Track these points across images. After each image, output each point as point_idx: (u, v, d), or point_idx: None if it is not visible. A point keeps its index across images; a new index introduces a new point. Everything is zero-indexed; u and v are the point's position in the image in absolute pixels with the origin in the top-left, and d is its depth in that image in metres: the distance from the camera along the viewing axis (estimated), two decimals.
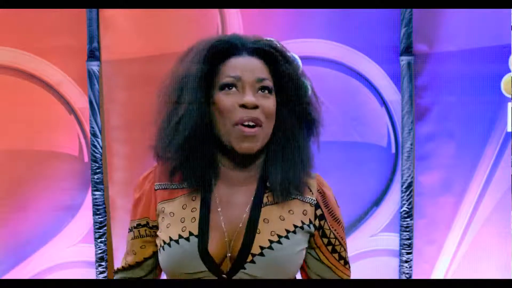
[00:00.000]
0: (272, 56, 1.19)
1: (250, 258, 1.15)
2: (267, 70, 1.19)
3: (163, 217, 1.22)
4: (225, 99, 1.16)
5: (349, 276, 1.29)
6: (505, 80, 2.17)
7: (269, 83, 1.18)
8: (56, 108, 2.20)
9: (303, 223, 1.20)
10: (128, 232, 1.30)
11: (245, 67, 1.16)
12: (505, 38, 2.13)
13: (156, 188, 1.24)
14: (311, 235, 1.22)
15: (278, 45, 1.22)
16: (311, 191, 1.23)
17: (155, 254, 1.27)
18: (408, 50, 2.16)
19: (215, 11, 2.13)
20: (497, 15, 2.10)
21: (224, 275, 1.16)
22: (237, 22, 2.14)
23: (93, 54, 2.16)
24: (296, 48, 2.13)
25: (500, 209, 2.22)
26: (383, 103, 2.21)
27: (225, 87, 1.16)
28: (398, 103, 2.20)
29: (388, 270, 2.27)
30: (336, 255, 1.25)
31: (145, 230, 1.26)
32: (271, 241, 1.15)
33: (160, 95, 1.22)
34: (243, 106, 1.14)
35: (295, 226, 1.18)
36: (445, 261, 2.27)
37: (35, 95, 2.18)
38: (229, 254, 1.16)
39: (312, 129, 1.24)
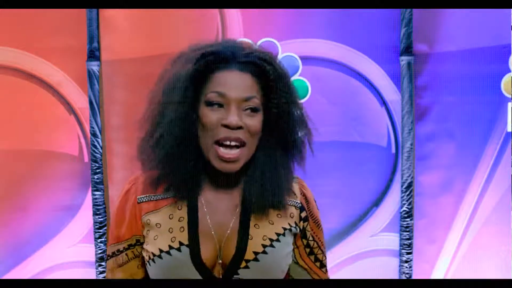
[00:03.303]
0: (263, 71, 1.13)
1: (244, 264, 1.14)
2: (256, 85, 1.14)
3: (148, 230, 1.18)
4: (209, 115, 1.12)
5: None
6: (505, 80, 2.17)
7: (256, 101, 1.13)
8: (56, 108, 2.20)
9: (290, 225, 1.20)
10: (112, 257, 1.23)
11: (232, 83, 1.11)
12: (505, 38, 2.13)
13: (139, 201, 1.20)
14: (295, 236, 1.22)
15: (272, 58, 1.15)
16: (295, 194, 1.23)
17: None
18: (408, 50, 2.16)
19: (215, 11, 2.13)
20: (497, 15, 2.10)
21: None
22: (237, 22, 2.14)
23: (93, 54, 2.16)
24: (296, 48, 2.15)
25: (500, 209, 2.22)
26: (383, 103, 2.21)
27: (210, 103, 1.12)
28: (398, 103, 2.20)
29: (388, 270, 2.27)
30: (312, 257, 1.25)
31: (137, 249, 1.21)
32: (264, 246, 1.15)
33: (148, 103, 1.20)
34: (226, 126, 1.11)
35: (284, 229, 1.19)
36: (445, 261, 2.27)
37: (35, 95, 2.18)
38: (220, 261, 1.16)
39: (297, 148, 1.20)
